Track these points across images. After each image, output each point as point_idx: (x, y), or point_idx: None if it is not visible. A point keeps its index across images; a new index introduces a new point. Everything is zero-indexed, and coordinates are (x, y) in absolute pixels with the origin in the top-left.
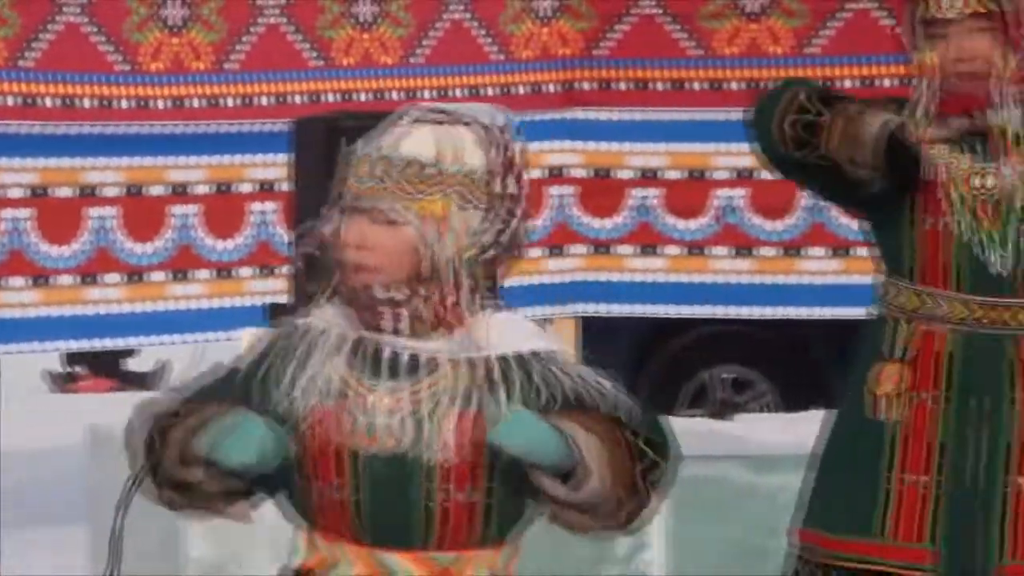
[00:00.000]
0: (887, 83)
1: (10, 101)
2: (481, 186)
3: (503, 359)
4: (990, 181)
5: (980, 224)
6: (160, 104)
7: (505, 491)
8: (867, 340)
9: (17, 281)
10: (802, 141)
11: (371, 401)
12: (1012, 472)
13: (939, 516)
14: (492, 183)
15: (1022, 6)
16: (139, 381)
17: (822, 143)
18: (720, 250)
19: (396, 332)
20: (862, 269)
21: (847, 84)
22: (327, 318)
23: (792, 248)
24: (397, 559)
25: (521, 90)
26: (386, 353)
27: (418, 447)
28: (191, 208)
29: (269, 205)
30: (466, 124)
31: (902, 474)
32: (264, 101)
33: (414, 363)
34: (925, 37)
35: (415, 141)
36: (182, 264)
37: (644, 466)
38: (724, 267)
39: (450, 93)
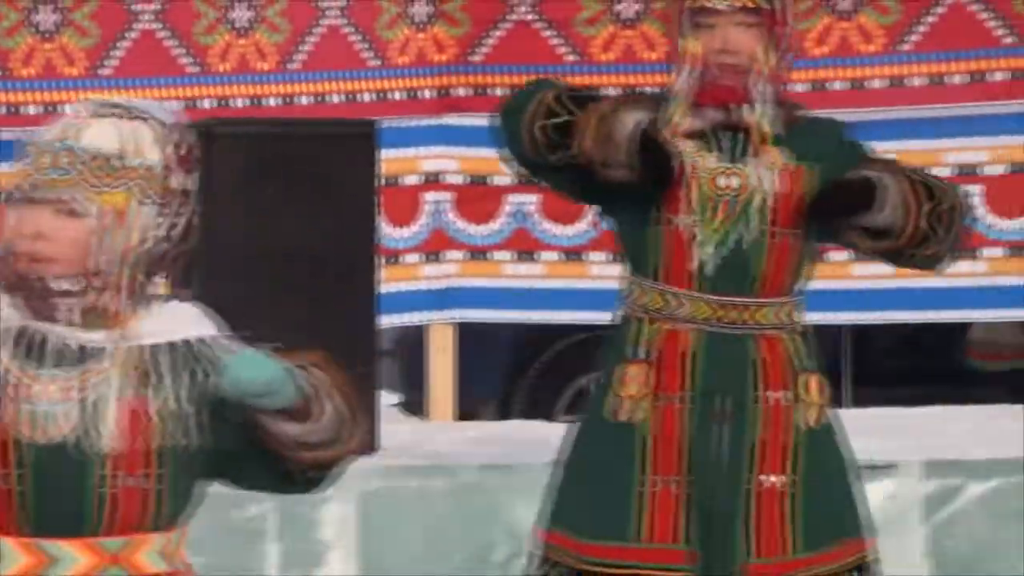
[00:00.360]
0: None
1: None
2: (159, 181)
3: (169, 346)
4: (735, 181)
5: (715, 223)
6: (32, 110)
7: (175, 475)
8: (613, 342)
9: None
10: (554, 144)
11: (36, 390)
12: (755, 470)
13: (691, 516)
14: (168, 178)
15: (788, 5)
16: None
17: (575, 145)
18: (597, 255)
19: (69, 323)
20: None
21: None
22: None
23: None
24: (64, 547)
25: (397, 96)
26: (52, 343)
27: (84, 435)
28: None
29: None
30: (144, 119)
31: (655, 476)
32: None
33: (81, 353)
34: (691, 26)
35: (98, 133)
36: None
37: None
38: (601, 272)
39: (327, 99)
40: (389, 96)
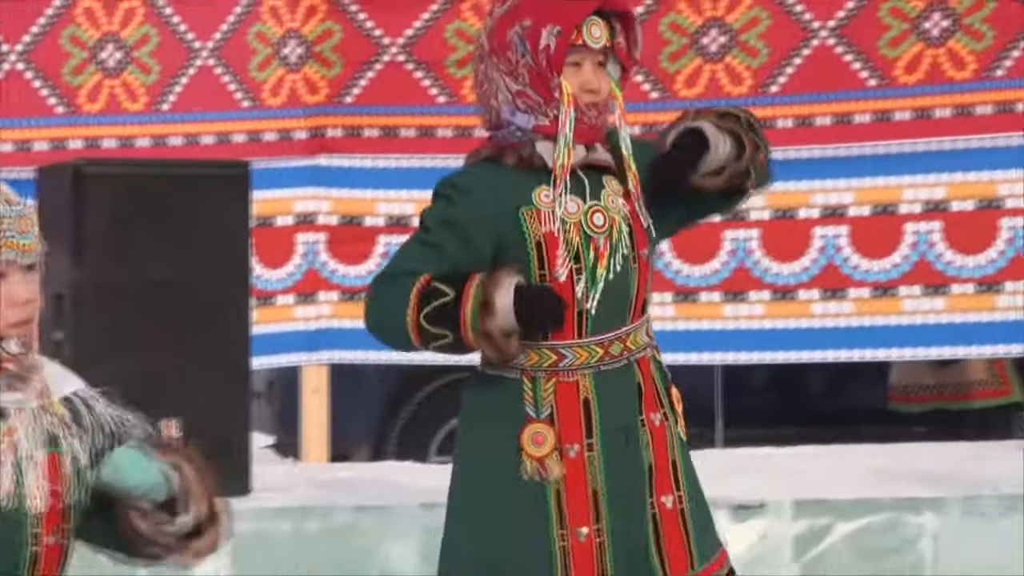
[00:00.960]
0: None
1: None
2: None
3: (65, 402)
4: (598, 219)
5: (599, 265)
6: None
7: (74, 530)
8: (499, 401)
9: None
10: (432, 334)
11: None
12: (654, 494)
13: (608, 560)
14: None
15: (639, 42)
16: None
17: (454, 337)
18: None
19: (7, 387)
20: None
21: None
22: None
23: None
24: None
25: (270, 137)
26: None
27: (19, 496)
28: None
29: None
30: None
31: (572, 529)
32: (7, 148)
33: None
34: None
35: (7, 192)
36: None
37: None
38: None
39: (200, 140)
40: (261, 137)
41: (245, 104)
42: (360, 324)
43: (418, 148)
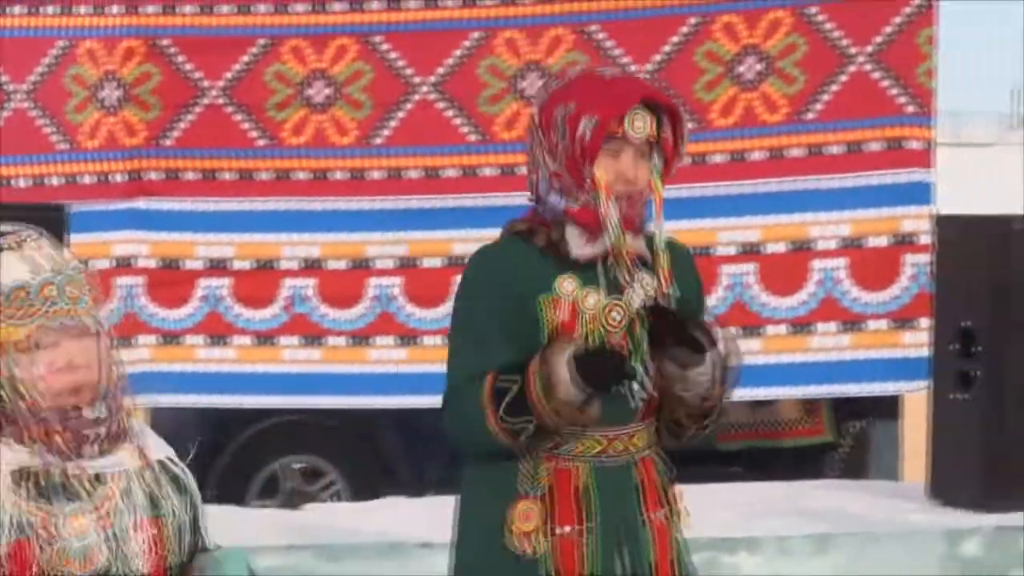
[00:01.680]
0: (451, 173)
1: None
2: None
3: (159, 465)
4: (616, 316)
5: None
6: None
7: None
8: (497, 476)
9: None
10: (515, 429)
11: (65, 527)
12: None
13: None
14: None
15: (685, 135)
16: None
17: (535, 418)
18: (290, 339)
19: (98, 452)
20: (428, 357)
21: (412, 174)
22: None
23: (360, 337)
24: None
25: (87, 180)
26: (66, 477)
27: (119, 562)
28: None
29: None
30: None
31: None
32: None
33: (91, 482)
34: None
35: (48, 254)
36: None
37: None
38: (294, 357)
39: (13, 183)
40: (78, 180)
41: (61, 147)
42: (180, 367)
43: (237, 191)
